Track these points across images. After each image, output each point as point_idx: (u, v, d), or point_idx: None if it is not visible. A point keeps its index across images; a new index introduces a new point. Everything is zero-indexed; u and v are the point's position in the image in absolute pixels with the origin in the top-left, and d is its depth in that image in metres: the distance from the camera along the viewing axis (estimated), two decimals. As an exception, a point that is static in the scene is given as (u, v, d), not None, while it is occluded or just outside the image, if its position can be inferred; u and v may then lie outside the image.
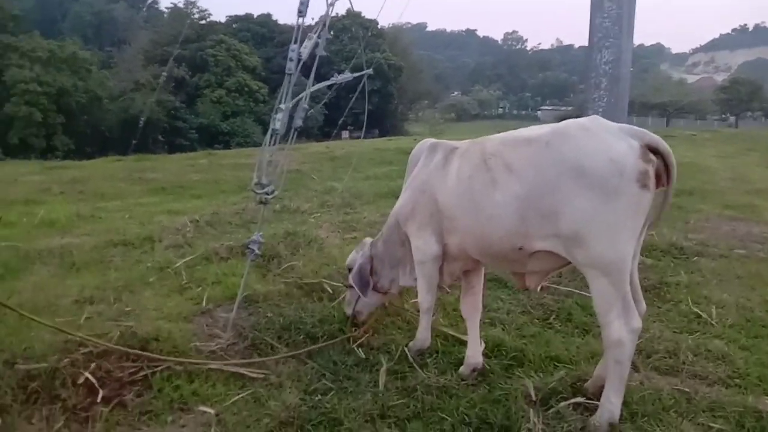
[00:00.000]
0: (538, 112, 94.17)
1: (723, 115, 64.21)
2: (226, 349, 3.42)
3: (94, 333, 3.35)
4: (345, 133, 39.11)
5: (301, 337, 3.62)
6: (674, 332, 4.06)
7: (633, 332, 2.73)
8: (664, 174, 2.70)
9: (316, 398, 3.00)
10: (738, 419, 2.94)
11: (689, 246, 6.13)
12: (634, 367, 3.49)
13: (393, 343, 3.63)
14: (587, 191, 2.62)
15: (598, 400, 2.99)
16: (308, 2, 3.64)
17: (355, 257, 3.83)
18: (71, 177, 11.43)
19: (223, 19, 62.50)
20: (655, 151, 2.66)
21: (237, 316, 3.63)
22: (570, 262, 2.90)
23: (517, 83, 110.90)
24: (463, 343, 3.68)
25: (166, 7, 68.31)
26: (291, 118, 3.72)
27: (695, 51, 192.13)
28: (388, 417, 2.92)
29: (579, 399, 3.03)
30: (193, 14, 50.21)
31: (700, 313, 4.35)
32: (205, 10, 56.21)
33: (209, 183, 10.60)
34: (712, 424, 2.90)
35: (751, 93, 59.57)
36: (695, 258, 5.87)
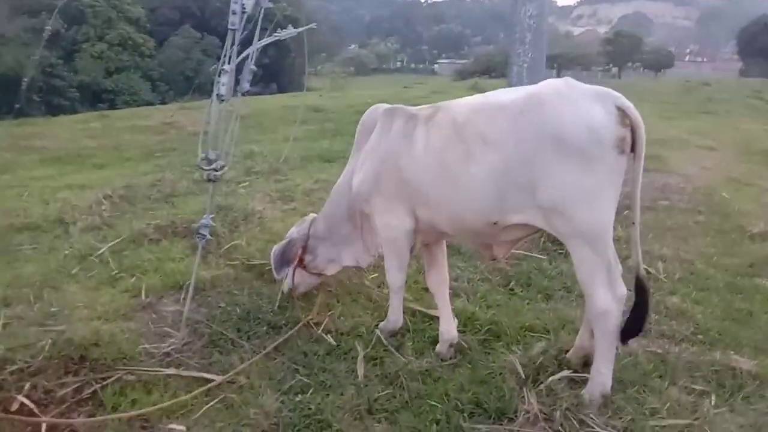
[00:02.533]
0: (435, 66, 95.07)
1: (607, 66, 67.82)
2: (182, 349, 3.02)
3: (18, 344, 2.84)
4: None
5: (264, 328, 3.28)
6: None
7: (619, 300, 2.68)
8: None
9: (296, 398, 2.72)
10: (717, 379, 3.00)
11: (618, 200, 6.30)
12: (604, 332, 3.49)
13: (363, 326, 3.39)
14: (566, 160, 2.52)
15: (583, 371, 2.95)
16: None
17: (293, 232, 3.57)
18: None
19: (99, -35, 57.02)
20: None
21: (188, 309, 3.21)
22: (538, 230, 2.82)
23: (414, 36, 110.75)
24: (434, 319, 3.52)
25: (30, -49, 61.19)
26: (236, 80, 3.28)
27: (579, 4, 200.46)
28: (376, 411, 2.71)
29: (566, 372, 2.95)
30: (64, -41, 45.31)
31: (649, 269, 4.42)
32: (80, -46, 50.86)
33: (109, 150, 9.62)
34: (694, 386, 2.95)
35: (633, 45, 63.46)
36: (626, 212, 6.00)
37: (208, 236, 3.14)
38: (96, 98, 42.39)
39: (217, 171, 3.08)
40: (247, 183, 6.33)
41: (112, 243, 4.24)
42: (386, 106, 3.26)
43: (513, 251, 4.58)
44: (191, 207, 5.21)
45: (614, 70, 66.80)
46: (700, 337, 3.48)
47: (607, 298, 2.64)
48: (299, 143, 9.44)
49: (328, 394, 2.77)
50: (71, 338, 2.89)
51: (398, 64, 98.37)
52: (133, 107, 26.85)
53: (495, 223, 2.79)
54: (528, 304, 3.86)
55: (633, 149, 2.58)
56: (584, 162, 2.51)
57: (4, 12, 43.37)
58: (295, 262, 3.50)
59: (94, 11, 45.95)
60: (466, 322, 3.49)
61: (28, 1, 41.58)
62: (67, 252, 4.19)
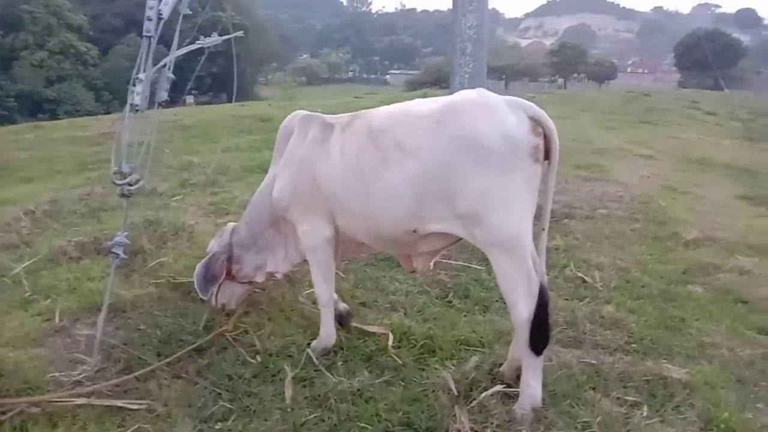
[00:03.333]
0: (387, 76, 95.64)
1: (552, 77, 69.65)
2: (95, 377, 2.81)
3: None
4: (190, 98, 36.67)
5: (185, 350, 3.10)
6: (566, 300, 4.12)
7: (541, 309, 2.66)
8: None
9: (216, 426, 2.56)
10: (648, 389, 3.00)
11: (557, 209, 6.35)
12: (541, 343, 3.46)
13: (294, 345, 3.25)
14: (482, 169, 2.55)
15: (516, 384, 2.90)
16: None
17: (214, 245, 3.46)
18: None
19: (38, -29, 55.15)
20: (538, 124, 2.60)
21: (103, 332, 3.00)
22: (459, 240, 2.82)
23: (365, 47, 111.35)
24: (369, 335, 3.42)
25: (-36, -46, 58.66)
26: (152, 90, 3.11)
27: (526, 16, 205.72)
28: (302, 436, 2.57)
29: (499, 387, 2.90)
30: (0, -36, 43.58)
31: (585, 278, 4.47)
32: (15, -41, 49.03)
33: (40, 162, 9.16)
34: (626, 397, 2.93)
35: (577, 56, 65.44)
36: (565, 220, 6.10)
37: (122, 255, 2.94)
38: (37, 108, 40.96)
39: (131, 185, 2.89)
40: (180, 196, 6.09)
41: (29, 262, 3.98)
42: (304, 112, 3.25)
43: (449, 262, 4.60)
44: (119, 222, 4.94)
45: (560, 81, 68.64)
46: (633, 346, 3.49)
47: (530, 308, 2.62)
48: (242, 153, 9.22)
49: (251, 421, 2.63)
50: (-32, 370, 2.65)
51: (350, 74, 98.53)
52: (75, 117, 25.92)
53: (414, 231, 2.78)
54: (465, 316, 3.80)
55: (547, 157, 2.61)
56: (499, 170, 2.53)
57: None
58: (223, 277, 3.36)
59: (32, 18, 44.50)
60: (401, 338, 3.40)
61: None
62: (-23, 273, 3.91)
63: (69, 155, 9.79)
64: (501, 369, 3.06)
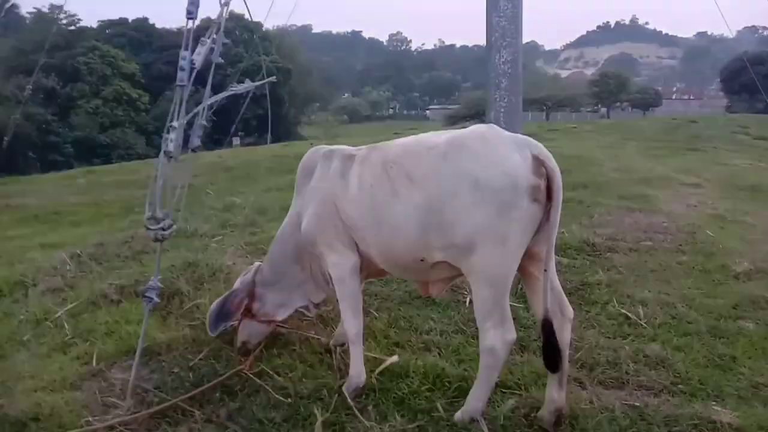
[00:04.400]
0: (427, 112, 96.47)
1: (595, 107, 68.91)
2: (128, 421, 2.83)
3: (-50, 421, 2.66)
4: (236, 140, 37.75)
5: (218, 394, 3.10)
6: (609, 338, 3.96)
7: (506, 343, 2.78)
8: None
9: (248, 474, 2.53)
10: (696, 434, 2.83)
11: (600, 242, 6.18)
12: (581, 384, 3.34)
13: (325, 388, 3.20)
14: (481, 204, 2.63)
15: (556, 430, 2.81)
16: (198, 3, 3.13)
17: (237, 283, 3.55)
18: None
19: (94, 25, 58.55)
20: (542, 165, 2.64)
21: (137, 376, 3.04)
22: None
23: (405, 84, 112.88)
24: (402, 376, 3.35)
25: (28, 12, 62.56)
26: (186, 136, 3.20)
27: (566, 47, 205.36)
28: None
29: (535, 434, 2.78)
30: (60, 20, 46.32)
31: (629, 314, 4.29)
32: (74, 15, 52.17)
33: (90, 206, 9.53)
34: (672, 443, 2.76)
35: (619, 85, 64.76)
36: (608, 254, 5.91)
37: (156, 299, 2.99)
38: (91, 153, 42.79)
39: (164, 230, 2.96)
40: (220, 237, 6.20)
41: (71, 306, 4.09)
42: (326, 147, 3.38)
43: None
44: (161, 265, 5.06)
45: (603, 110, 67.85)
46: (680, 387, 3.31)
47: (496, 338, 2.73)
48: (283, 193, 9.35)
49: (282, 468, 2.59)
50: (7, 414, 2.71)
51: (390, 110, 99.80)
52: (127, 161, 27.03)
53: (422, 260, 2.88)
54: (502, 357, 3.69)
55: (550, 198, 2.64)
56: (498, 206, 2.60)
57: (0, 71, 44.17)
58: (239, 314, 3.43)
59: (89, 68, 46.96)
60: (435, 380, 3.32)
61: (24, 60, 42.38)
62: (22, 317, 4.03)
63: (117, 199, 10.16)
64: (539, 414, 2.95)
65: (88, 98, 46.49)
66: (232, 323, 3.47)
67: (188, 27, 3.07)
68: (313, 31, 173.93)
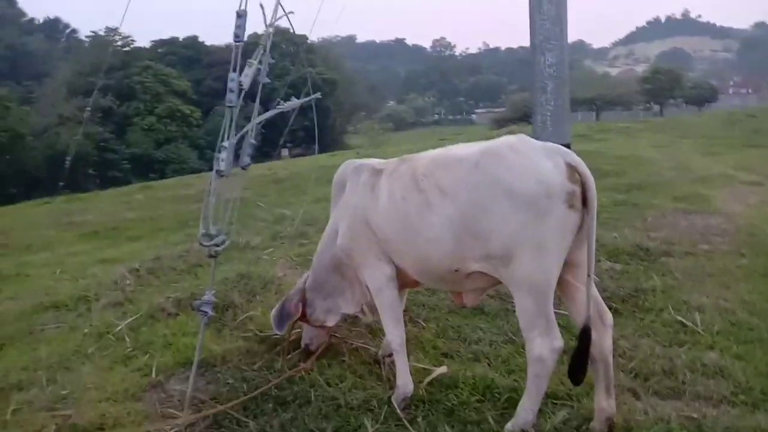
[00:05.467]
0: (473, 116, 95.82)
1: (647, 105, 66.88)
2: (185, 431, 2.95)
3: (23, 430, 2.83)
4: (285, 152, 38.42)
5: (270, 404, 3.18)
6: (664, 347, 3.86)
7: (554, 351, 2.75)
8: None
9: (298, 483, 2.59)
10: (758, 447, 2.73)
11: (654, 246, 6.03)
12: (635, 395, 3.26)
13: (374, 399, 3.24)
14: (517, 212, 2.64)
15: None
16: (245, 26, 3.23)
17: (290, 292, 3.73)
18: (-8, 227, 10.49)
19: (147, 45, 60.84)
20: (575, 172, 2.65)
21: (194, 388, 3.15)
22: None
23: (450, 89, 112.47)
24: (451, 387, 3.36)
25: (86, 36, 65.77)
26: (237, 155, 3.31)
27: (615, 45, 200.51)
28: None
29: (587, 443, 2.74)
30: (116, 42, 48.33)
31: (685, 321, 4.17)
32: (128, 36, 54.30)
33: (146, 221, 9.91)
34: (734, 457, 2.67)
35: (672, 81, 62.64)
36: (663, 258, 5.76)
37: (210, 313, 3.09)
38: (147, 168, 44.40)
39: (218, 246, 3.06)
40: (271, 249, 6.35)
41: (131, 319, 4.26)
42: (356, 161, 3.49)
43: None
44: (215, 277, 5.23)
45: (656, 107, 65.81)
46: (741, 397, 3.21)
47: (543, 347, 2.72)
48: (330, 203, 9.49)
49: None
50: (76, 423, 2.86)
51: (436, 116, 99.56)
52: (182, 175, 27.88)
53: (456, 271, 2.91)
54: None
55: (585, 204, 2.65)
56: (534, 214, 2.61)
57: (63, 94, 46.45)
58: (298, 314, 3.58)
59: (143, 87, 48.81)
60: (484, 391, 3.30)
61: (83, 81, 44.45)
62: (86, 330, 4.23)
63: (172, 213, 10.52)
64: (591, 425, 2.90)
65: (143, 116, 48.29)
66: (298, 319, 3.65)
67: (235, 49, 3.17)
68: (358, 41, 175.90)
